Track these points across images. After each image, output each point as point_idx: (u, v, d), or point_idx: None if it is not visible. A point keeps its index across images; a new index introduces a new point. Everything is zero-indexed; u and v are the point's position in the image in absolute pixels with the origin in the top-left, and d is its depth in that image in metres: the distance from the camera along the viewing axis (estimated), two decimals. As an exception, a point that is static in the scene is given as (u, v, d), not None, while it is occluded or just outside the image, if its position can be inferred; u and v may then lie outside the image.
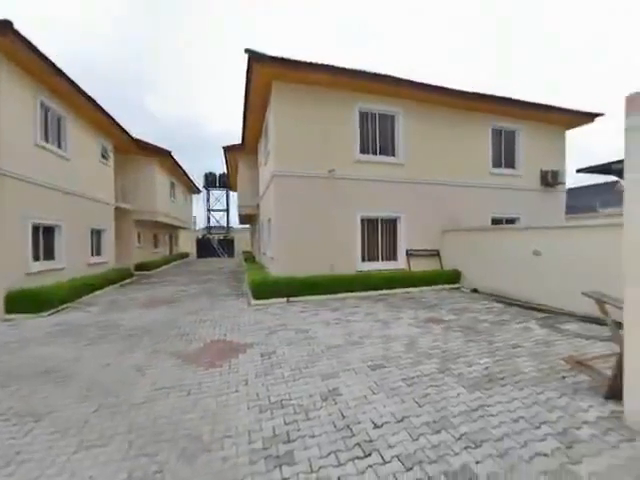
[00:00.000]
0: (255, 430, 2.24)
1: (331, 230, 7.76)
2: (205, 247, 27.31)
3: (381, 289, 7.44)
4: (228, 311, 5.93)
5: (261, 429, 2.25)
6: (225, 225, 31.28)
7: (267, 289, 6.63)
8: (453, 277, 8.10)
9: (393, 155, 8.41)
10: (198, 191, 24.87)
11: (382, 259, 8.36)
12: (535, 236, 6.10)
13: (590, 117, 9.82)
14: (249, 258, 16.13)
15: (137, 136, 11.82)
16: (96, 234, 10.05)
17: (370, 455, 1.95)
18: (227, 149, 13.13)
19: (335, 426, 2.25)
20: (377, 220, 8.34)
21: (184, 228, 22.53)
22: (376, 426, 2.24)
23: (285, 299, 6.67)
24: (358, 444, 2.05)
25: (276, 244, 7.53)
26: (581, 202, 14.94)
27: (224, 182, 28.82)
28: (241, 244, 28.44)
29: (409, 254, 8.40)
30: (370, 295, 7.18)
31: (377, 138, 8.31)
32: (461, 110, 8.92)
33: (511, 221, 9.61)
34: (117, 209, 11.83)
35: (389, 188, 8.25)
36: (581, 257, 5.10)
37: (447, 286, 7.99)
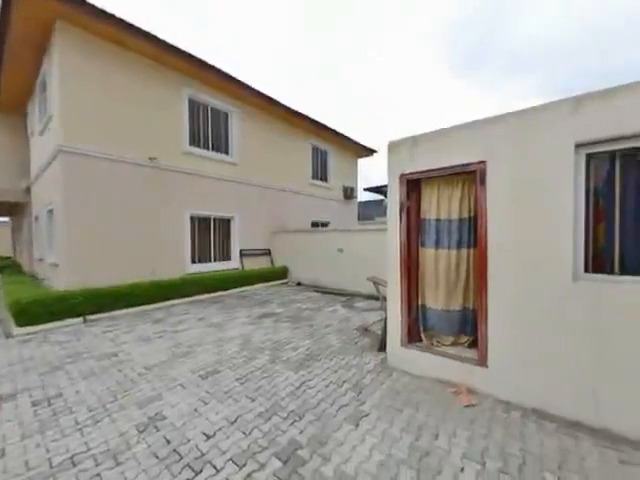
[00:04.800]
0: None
1: (152, 229, 6.59)
2: None
3: (215, 291, 7.10)
4: (-40, 353, 3.73)
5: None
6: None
7: (45, 310, 4.72)
8: (282, 273, 8.97)
9: (227, 153, 8.25)
10: None
11: (215, 260, 8.01)
12: (339, 237, 7.81)
13: (370, 151, 13.69)
14: (9, 267, 10.91)
15: None
16: None
17: (201, 471, 1.81)
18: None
19: (157, 457, 1.93)
20: (210, 219, 7.89)
21: None
22: (208, 437, 2.11)
23: (81, 319, 5.01)
24: (187, 465, 1.86)
25: (64, 245, 5.51)
26: (366, 212, 20.60)
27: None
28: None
29: (243, 254, 8.53)
30: (203, 298, 6.69)
31: (210, 133, 7.87)
32: (289, 124, 10.02)
33: (325, 224, 11.81)
34: None
35: (223, 187, 8.02)
36: (366, 252, 7.02)
37: (278, 282, 8.74)
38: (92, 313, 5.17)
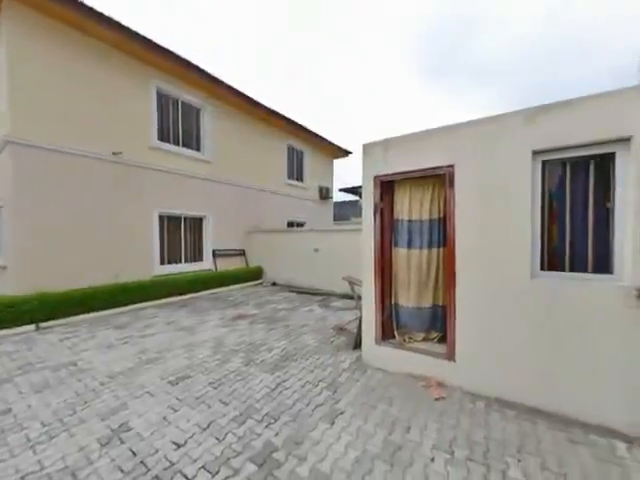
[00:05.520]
0: None
1: (117, 228, 6.19)
2: None
3: (186, 293, 6.81)
4: None
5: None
6: None
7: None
8: (257, 274, 8.82)
9: (198, 150, 7.95)
10: None
11: (186, 260, 7.69)
12: (315, 237, 7.83)
13: (345, 152, 13.86)
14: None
15: None
16: None
17: (171, 482, 1.74)
18: None
19: (122, 470, 1.81)
20: (180, 218, 7.57)
21: None
22: (178, 446, 2.02)
23: (33, 326, 4.58)
24: (155, 477, 1.77)
25: (13, 246, 5.01)
26: (342, 212, 20.84)
27: None
28: None
29: (216, 254, 8.27)
30: (172, 301, 6.39)
31: (181, 128, 7.54)
32: (266, 123, 9.86)
33: (300, 224, 11.77)
34: None
35: (194, 185, 7.72)
36: (341, 251, 7.10)
37: (253, 282, 8.58)
38: (47, 319, 4.74)
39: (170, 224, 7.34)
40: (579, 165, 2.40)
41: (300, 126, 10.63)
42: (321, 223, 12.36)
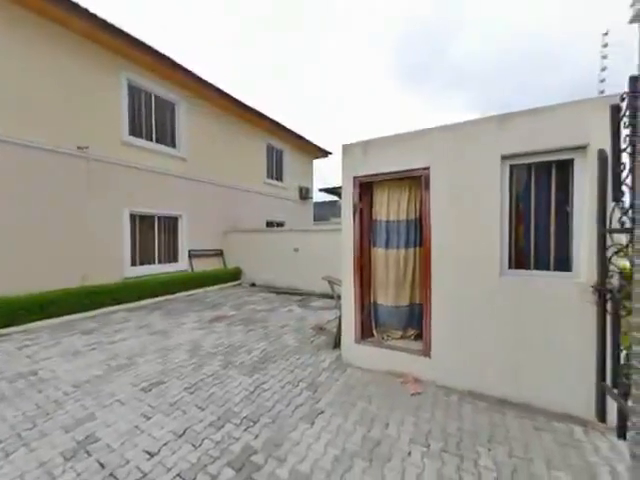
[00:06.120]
0: None
1: (83, 228, 5.82)
2: None
3: (160, 295, 6.54)
4: None
5: None
6: None
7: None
8: (236, 274, 8.63)
9: (174, 147, 7.66)
10: None
11: (160, 261, 7.37)
12: (295, 236, 7.80)
13: (325, 153, 13.92)
14: None
15: None
16: None
17: (143, 493, 1.66)
18: None
19: (89, 485, 1.71)
20: (154, 218, 7.24)
21: None
22: (151, 455, 1.94)
23: (-14, 334, 4.20)
24: (126, 489, 1.68)
25: (-38, 247, 4.57)
26: (322, 213, 20.92)
27: None
28: None
29: (192, 255, 8.00)
30: (145, 304, 6.11)
31: (155, 124, 7.22)
32: (244, 121, 9.68)
33: (280, 224, 11.68)
34: None
35: (169, 183, 7.43)
36: (321, 251, 7.12)
37: (231, 283, 8.39)
38: (4, 326, 4.36)
39: (143, 223, 7.00)
40: (543, 170, 2.56)
41: (280, 125, 10.54)
42: (301, 223, 12.33)
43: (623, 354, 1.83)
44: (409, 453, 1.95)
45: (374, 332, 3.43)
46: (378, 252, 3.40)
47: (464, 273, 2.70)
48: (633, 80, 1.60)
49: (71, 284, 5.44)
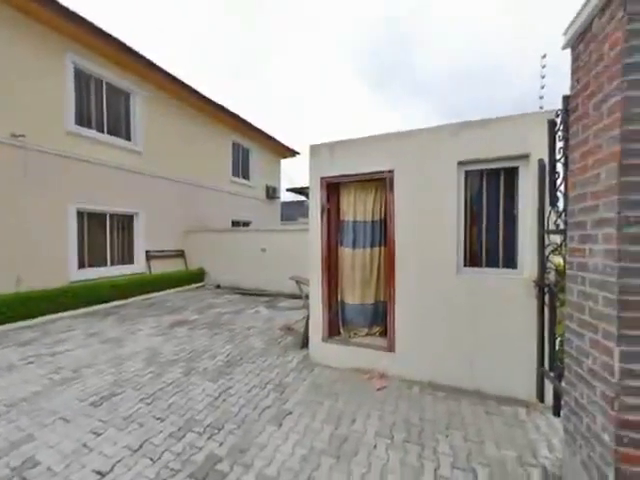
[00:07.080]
0: None
1: (16, 225, 5.15)
2: None
3: (113, 300, 6.01)
4: None
5: None
6: None
7: None
8: (199, 276, 8.24)
9: (129, 139, 7.10)
10: None
11: (113, 263, 6.79)
12: (262, 237, 7.66)
13: (293, 152, 13.85)
14: None
15: None
16: None
17: (93, 517, 1.51)
18: None
19: (26, 516, 1.52)
20: (105, 215, 6.65)
21: None
22: (102, 475, 1.78)
23: None
24: (72, 515, 1.52)
25: None
26: (289, 213, 20.79)
27: None
28: None
29: (150, 256, 7.48)
30: (96, 310, 5.58)
31: (106, 113, 6.62)
32: (207, 116, 9.27)
33: (246, 224, 11.38)
34: None
35: (123, 178, 6.86)
36: (288, 251, 7.07)
37: (194, 285, 7.99)
38: None
39: (92, 222, 6.39)
40: (493, 176, 2.80)
41: (246, 122, 10.26)
42: (268, 223, 12.13)
43: (558, 341, 2.07)
44: (375, 446, 2.01)
45: (341, 330, 3.49)
46: (345, 252, 3.46)
47: (425, 271, 2.86)
48: (565, 99, 1.81)
49: (3, 289, 4.80)
